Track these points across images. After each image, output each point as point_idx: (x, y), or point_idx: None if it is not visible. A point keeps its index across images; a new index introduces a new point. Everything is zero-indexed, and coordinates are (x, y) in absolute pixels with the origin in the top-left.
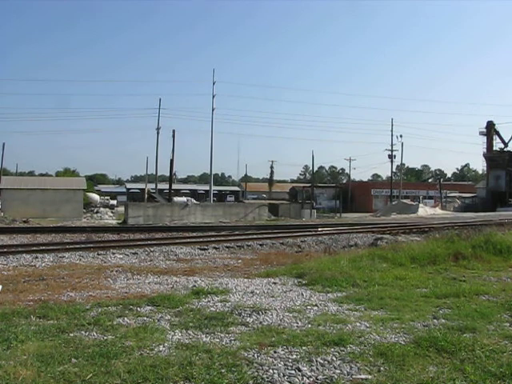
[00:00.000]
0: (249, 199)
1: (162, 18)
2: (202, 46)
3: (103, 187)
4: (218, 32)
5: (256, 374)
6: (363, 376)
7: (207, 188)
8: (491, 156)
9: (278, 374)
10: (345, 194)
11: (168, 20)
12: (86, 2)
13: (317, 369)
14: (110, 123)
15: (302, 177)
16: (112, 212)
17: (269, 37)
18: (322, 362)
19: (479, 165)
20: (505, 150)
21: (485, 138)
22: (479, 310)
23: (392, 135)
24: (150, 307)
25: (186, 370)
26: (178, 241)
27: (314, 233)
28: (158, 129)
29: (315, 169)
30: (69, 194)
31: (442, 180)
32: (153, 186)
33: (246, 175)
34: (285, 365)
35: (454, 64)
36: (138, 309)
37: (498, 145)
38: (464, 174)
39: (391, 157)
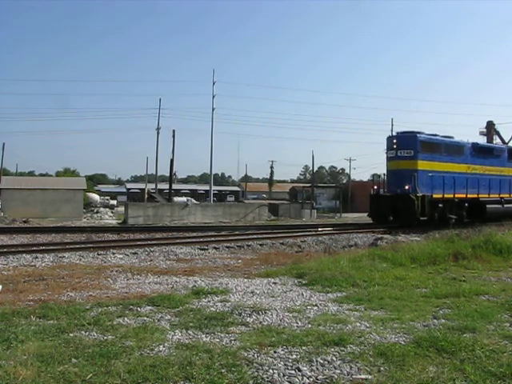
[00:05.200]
0: (249, 199)
1: (162, 18)
2: (202, 46)
3: (103, 187)
4: (217, 32)
5: (256, 374)
6: (363, 376)
7: (207, 188)
8: None
9: (278, 374)
10: (345, 194)
11: (168, 20)
12: (86, 2)
13: (317, 369)
14: (110, 123)
15: (302, 177)
16: (112, 212)
17: (269, 37)
18: (322, 361)
19: None
20: None
21: (485, 138)
22: (479, 310)
23: None
24: (149, 307)
25: (186, 369)
26: (178, 241)
27: (314, 233)
28: (158, 129)
29: (315, 169)
30: (69, 194)
31: None
32: (153, 185)
33: (246, 175)
34: (285, 365)
35: (454, 64)
36: (138, 309)
37: None
38: None
39: None
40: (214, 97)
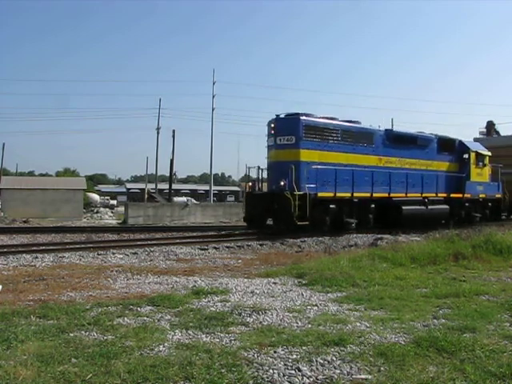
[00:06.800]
0: None
1: (162, 18)
2: (202, 46)
3: (103, 187)
4: (217, 32)
5: (256, 374)
6: (363, 376)
7: (207, 188)
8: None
9: (278, 374)
10: None
11: (168, 20)
12: (86, 2)
13: (317, 369)
14: (110, 123)
15: None
16: (112, 212)
17: (269, 37)
18: (321, 362)
19: None
20: None
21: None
22: (479, 310)
23: None
24: (150, 307)
25: (186, 370)
26: (178, 241)
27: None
28: (158, 129)
29: None
30: (69, 194)
31: None
32: (153, 185)
33: (245, 175)
34: (285, 365)
35: (454, 64)
36: (138, 309)
37: None
38: None
39: None
40: (213, 97)
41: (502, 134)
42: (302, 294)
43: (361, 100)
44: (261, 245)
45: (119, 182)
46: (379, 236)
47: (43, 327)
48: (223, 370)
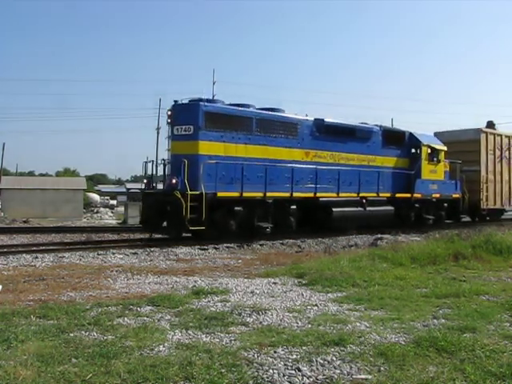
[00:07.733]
0: None
1: (162, 18)
2: (202, 45)
3: (103, 187)
4: (218, 31)
5: (256, 374)
6: (363, 376)
7: None
8: None
9: (278, 374)
10: None
11: (168, 20)
12: (86, 2)
13: (317, 369)
14: (110, 123)
15: None
16: (112, 212)
17: (268, 36)
18: (321, 362)
19: None
20: None
21: None
22: (479, 310)
23: None
24: (149, 307)
25: (186, 370)
26: (177, 241)
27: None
28: (158, 129)
29: None
30: (69, 194)
31: None
32: None
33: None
34: (285, 365)
35: (453, 63)
36: (138, 309)
37: None
38: None
39: None
40: (213, 97)
41: None
42: (302, 294)
43: (361, 100)
44: (261, 245)
45: (119, 182)
46: (379, 236)
47: (43, 327)
48: (223, 370)
